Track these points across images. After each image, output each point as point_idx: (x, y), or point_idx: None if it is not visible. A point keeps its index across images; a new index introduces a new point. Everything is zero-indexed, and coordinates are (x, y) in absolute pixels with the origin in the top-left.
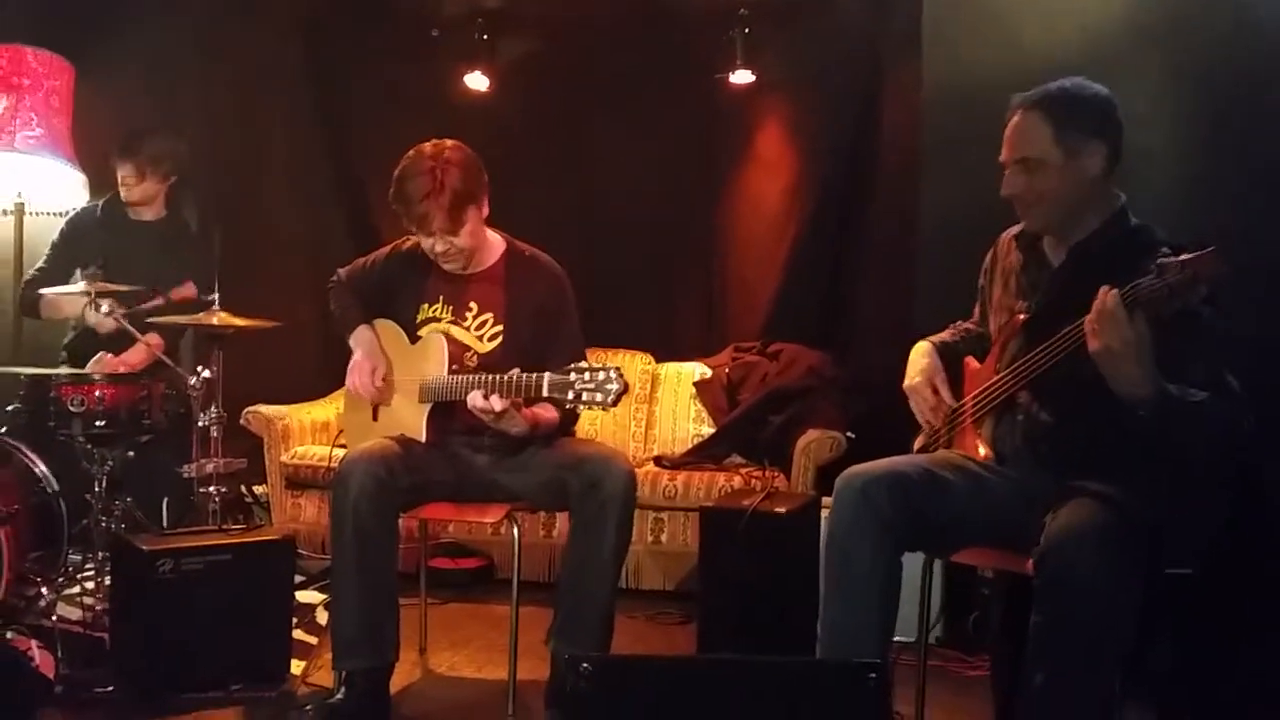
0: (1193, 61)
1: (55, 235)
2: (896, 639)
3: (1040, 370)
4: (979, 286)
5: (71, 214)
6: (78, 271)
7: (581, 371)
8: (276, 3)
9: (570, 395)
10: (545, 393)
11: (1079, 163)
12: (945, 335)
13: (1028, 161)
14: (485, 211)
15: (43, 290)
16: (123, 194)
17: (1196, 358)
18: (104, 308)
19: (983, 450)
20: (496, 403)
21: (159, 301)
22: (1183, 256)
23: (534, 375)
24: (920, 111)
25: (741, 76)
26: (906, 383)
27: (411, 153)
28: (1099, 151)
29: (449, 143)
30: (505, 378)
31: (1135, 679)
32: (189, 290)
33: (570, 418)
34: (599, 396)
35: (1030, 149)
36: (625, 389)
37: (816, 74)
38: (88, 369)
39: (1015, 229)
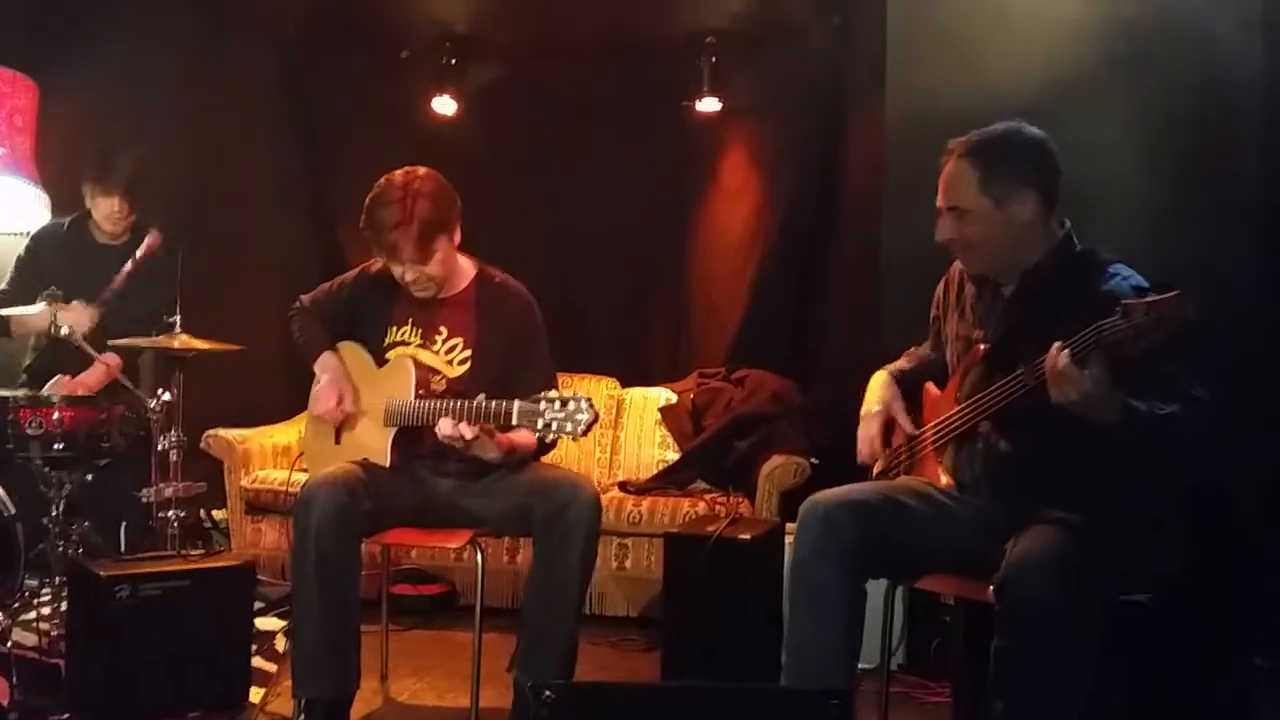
0: (1158, 93)
1: (20, 252)
2: (859, 665)
3: (1000, 404)
4: (931, 318)
5: (36, 231)
6: (40, 292)
7: (552, 400)
8: (246, 23)
9: (540, 424)
10: (515, 420)
11: (1007, 211)
12: (902, 363)
13: (957, 210)
14: (457, 239)
15: (5, 312)
16: (107, 226)
17: (1163, 384)
18: (64, 330)
19: (944, 478)
20: (466, 430)
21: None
22: (1149, 299)
23: (503, 403)
24: (884, 141)
25: (708, 104)
26: (863, 411)
27: (383, 180)
28: (1030, 199)
29: (421, 171)
30: (474, 405)
31: (1093, 709)
32: (153, 241)
33: (543, 445)
34: (569, 426)
35: (959, 198)
36: (595, 418)
37: (783, 102)
38: (45, 391)
39: None
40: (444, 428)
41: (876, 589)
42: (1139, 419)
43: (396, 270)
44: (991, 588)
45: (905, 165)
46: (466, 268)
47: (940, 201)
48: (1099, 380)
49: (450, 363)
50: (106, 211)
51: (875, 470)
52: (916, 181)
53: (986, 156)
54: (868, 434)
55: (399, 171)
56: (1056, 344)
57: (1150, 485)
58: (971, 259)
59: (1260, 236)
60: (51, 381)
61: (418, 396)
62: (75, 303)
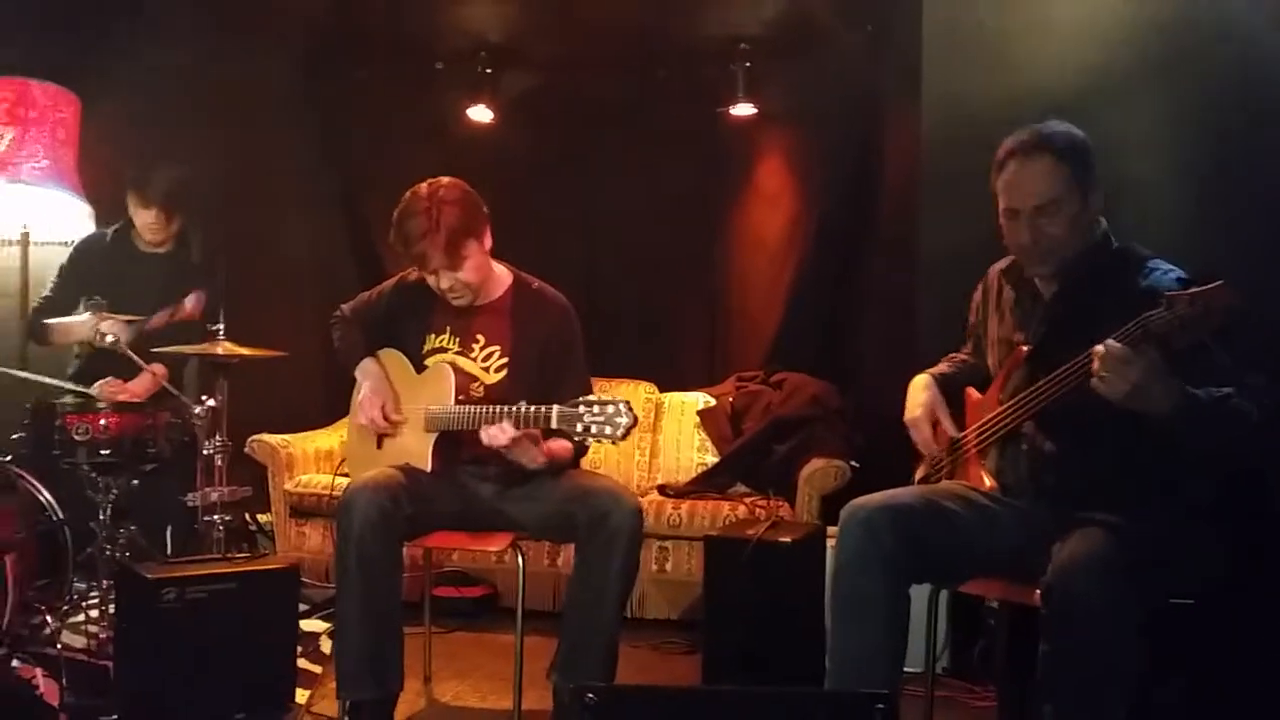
0: (1194, 93)
1: (64, 260)
2: (904, 669)
3: (1044, 403)
4: (970, 323)
5: (80, 240)
6: (82, 301)
7: (591, 405)
8: (281, 35)
9: (579, 428)
10: (554, 424)
11: (1088, 202)
12: (943, 367)
13: (1048, 206)
14: (489, 244)
15: (49, 320)
16: (146, 235)
17: (1215, 375)
18: (109, 338)
19: (987, 481)
20: (508, 427)
21: (164, 315)
22: (1192, 290)
23: (543, 407)
24: (920, 144)
25: (743, 109)
26: (907, 415)
27: (409, 193)
28: (1100, 189)
29: (445, 180)
30: (513, 409)
31: (1143, 714)
32: (195, 307)
33: (580, 450)
34: (608, 430)
35: (1053, 191)
36: (635, 422)
37: (818, 107)
38: (93, 390)
39: (1003, 263)
40: (488, 434)
41: (920, 593)
42: (1197, 404)
43: (431, 280)
44: (1038, 591)
45: (941, 167)
46: (503, 275)
47: (1019, 203)
48: (1152, 359)
49: (488, 370)
50: (145, 221)
51: (918, 475)
52: (952, 183)
53: (1074, 152)
54: (924, 436)
55: (424, 183)
56: (1104, 343)
57: (1197, 484)
58: (1051, 259)
59: None
60: (100, 381)
61: (458, 402)
62: (113, 320)
